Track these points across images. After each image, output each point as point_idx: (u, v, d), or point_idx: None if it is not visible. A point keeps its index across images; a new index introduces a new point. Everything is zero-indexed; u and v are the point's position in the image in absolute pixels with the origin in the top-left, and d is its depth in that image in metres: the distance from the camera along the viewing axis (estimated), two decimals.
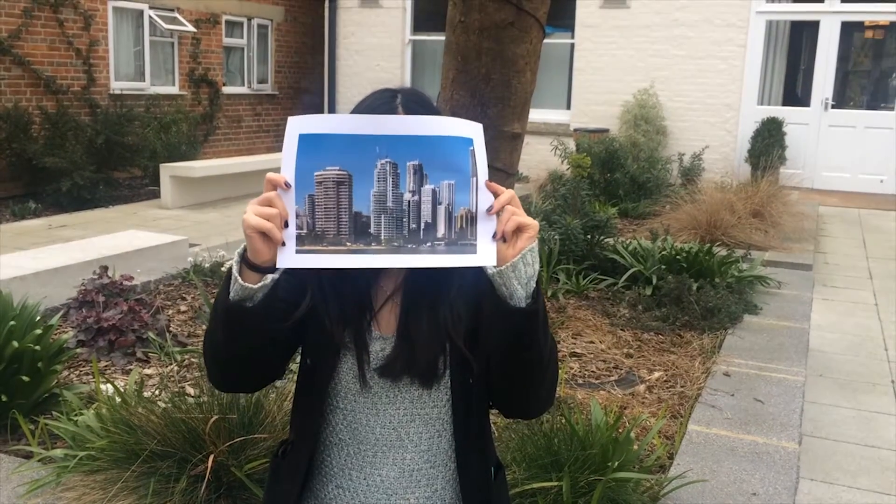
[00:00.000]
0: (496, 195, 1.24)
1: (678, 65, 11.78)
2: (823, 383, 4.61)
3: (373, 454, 1.41)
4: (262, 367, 1.40)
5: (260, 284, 1.26)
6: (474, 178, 1.25)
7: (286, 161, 1.23)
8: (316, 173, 1.23)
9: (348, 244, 1.23)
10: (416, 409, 1.40)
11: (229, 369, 1.39)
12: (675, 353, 4.79)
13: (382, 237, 1.24)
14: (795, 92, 13.13)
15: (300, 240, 1.23)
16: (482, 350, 1.36)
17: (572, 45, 12.47)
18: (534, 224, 1.25)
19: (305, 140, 1.23)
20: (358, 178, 1.23)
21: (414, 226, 1.24)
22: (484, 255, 1.25)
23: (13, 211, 8.79)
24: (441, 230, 1.24)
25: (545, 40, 3.49)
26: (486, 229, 1.25)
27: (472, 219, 1.25)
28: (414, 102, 1.38)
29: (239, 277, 1.26)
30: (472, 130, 1.26)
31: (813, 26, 11.71)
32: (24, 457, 3.17)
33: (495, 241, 1.25)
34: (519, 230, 1.24)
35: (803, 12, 11.73)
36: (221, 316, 1.31)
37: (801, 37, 12.92)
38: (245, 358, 1.35)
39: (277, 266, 1.24)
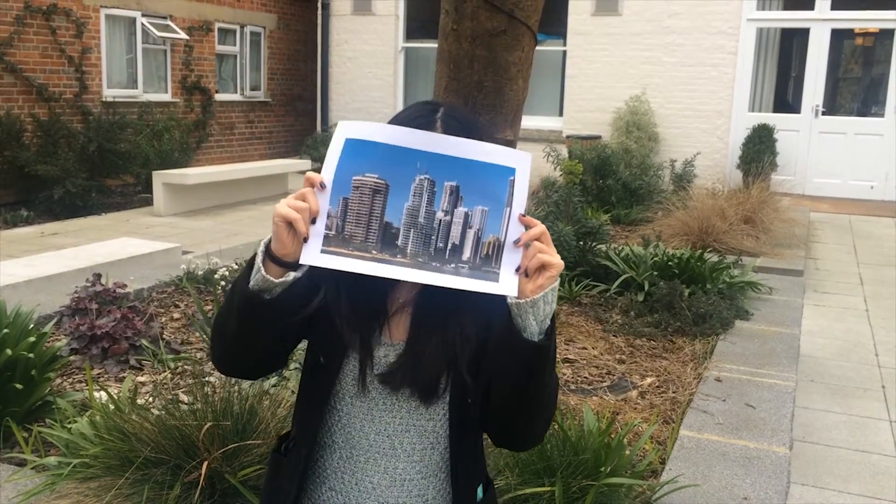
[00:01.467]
0: (529, 228, 1.26)
1: (670, 72, 11.85)
2: (814, 388, 4.64)
3: (364, 460, 1.42)
4: (266, 356, 1.42)
5: (281, 280, 1.28)
6: (508, 209, 1.26)
7: (328, 161, 1.26)
8: (354, 177, 1.25)
9: (373, 252, 1.25)
10: (412, 419, 1.40)
11: (234, 352, 1.41)
12: (667, 359, 4.82)
13: (408, 251, 1.25)
14: (786, 99, 13.20)
15: (327, 240, 1.25)
16: (484, 375, 1.36)
17: (564, 53, 12.53)
18: (558, 263, 1.26)
19: (351, 144, 1.25)
20: (394, 190, 1.25)
21: (441, 245, 1.25)
22: (505, 284, 1.26)
23: (5, 218, 8.78)
24: (467, 253, 1.26)
25: (537, 47, 3.52)
26: (510, 260, 1.26)
27: (499, 247, 1.26)
28: (454, 119, 1.38)
29: (262, 268, 1.28)
30: (518, 161, 1.27)
31: (803, 34, 11.80)
32: (18, 464, 3.17)
33: (518, 274, 1.26)
34: (542, 268, 1.25)
35: (794, 20, 11.81)
36: (237, 302, 1.32)
37: (792, 44, 12.99)
38: (252, 345, 1.37)
39: (300, 261, 1.25)
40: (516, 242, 1.26)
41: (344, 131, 1.26)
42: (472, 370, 1.36)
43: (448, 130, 1.33)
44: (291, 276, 1.28)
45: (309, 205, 1.23)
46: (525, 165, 1.26)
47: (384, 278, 1.26)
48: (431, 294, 1.33)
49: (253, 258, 1.31)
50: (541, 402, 1.36)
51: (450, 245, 1.25)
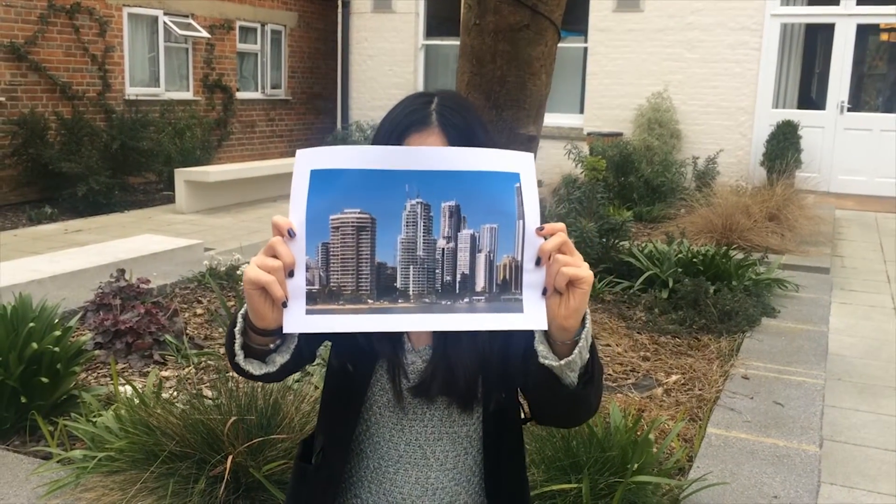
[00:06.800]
0: (547, 238, 1.09)
1: (692, 68, 11.74)
2: (842, 387, 4.57)
3: (394, 471, 1.34)
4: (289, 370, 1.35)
5: (274, 346, 1.18)
6: (521, 221, 1.08)
7: (295, 201, 1.06)
8: (331, 217, 1.06)
9: (370, 302, 1.07)
10: (444, 427, 1.33)
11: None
12: (693, 357, 4.76)
13: (411, 293, 1.08)
14: (811, 95, 13.06)
15: (311, 298, 1.06)
16: (514, 374, 1.28)
17: (585, 49, 12.45)
18: (587, 276, 1.08)
19: (319, 176, 1.06)
20: (382, 222, 1.06)
21: (449, 278, 1.08)
22: (532, 315, 1.09)
23: (30, 216, 8.85)
24: (481, 283, 1.08)
25: (558, 44, 3.48)
26: (532, 281, 1.09)
27: (517, 268, 1.09)
28: (450, 109, 1.23)
29: (242, 354, 1.17)
30: (519, 163, 1.09)
31: (828, 29, 11.65)
32: (44, 458, 3.18)
33: (545, 297, 1.10)
34: (571, 283, 1.08)
35: (818, 15, 11.67)
36: (237, 372, 1.24)
37: (816, 40, 12.84)
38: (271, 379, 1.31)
39: (284, 331, 1.08)
40: (537, 263, 1.09)
41: (307, 162, 1.06)
42: (502, 371, 1.29)
43: (443, 122, 1.20)
44: (283, 356, 1.19)
45: (282, 260, 1.05)
46: (529, 167, 1.09)
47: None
48: None
49: (232, 332, 1.16)
50: (588, 408, 1.26)
51: (459, 276, 1.08)
